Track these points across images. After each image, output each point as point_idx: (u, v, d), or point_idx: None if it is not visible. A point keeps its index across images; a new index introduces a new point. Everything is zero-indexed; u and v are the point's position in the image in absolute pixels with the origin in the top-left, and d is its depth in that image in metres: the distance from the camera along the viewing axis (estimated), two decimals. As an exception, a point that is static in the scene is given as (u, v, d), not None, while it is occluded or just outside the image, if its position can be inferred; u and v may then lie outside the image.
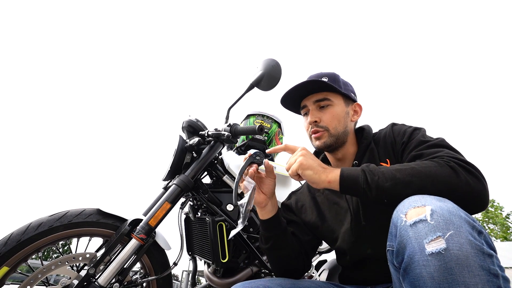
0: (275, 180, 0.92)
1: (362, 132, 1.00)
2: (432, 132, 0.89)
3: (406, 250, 0.56)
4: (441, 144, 0.79)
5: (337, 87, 0.93)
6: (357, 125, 1.06)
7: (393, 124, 0.97)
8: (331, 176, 0.75)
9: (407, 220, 0.58)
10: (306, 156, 0.79)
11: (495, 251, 0.56)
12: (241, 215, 0.79)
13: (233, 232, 0.79)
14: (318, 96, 0.95)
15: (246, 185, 0.84)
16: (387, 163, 0.89)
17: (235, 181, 0.85)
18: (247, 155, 0.87)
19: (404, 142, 0.87)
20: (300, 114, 1.04)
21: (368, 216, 0.88)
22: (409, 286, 0.56)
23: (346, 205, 0.94)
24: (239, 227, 0.78)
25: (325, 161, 1.07)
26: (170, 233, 1.32)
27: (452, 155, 0.72)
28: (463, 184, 0.66)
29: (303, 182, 1.31)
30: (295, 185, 1.63)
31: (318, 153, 1.09)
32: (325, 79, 0.94)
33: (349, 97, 0.98)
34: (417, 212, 0.57)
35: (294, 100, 1.00)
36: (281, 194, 1.46)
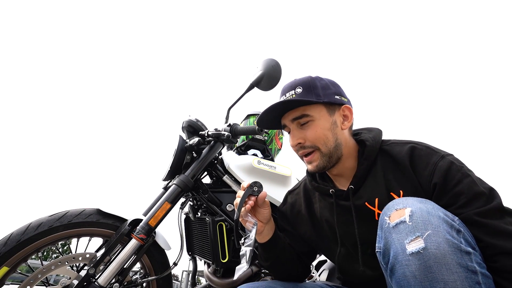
0: (270, 209, 0.87)
1: (364, 148, 0.83)
2: (431, 135, 0.78)
3: (391, 251, 0.59)
4: (502, 211, 0.65)
5: (312, 99, 0.80)
6: (357, 127, 0.92)
7: (413, 148, 0.78)
8: None
9: (390, 222, 0.61)
10: None
11: (475, 248, 0.58)
12: (246, 256, 0.76)
13: (239, 271, 0.76)
14: (294, 114, 0.82)
15: (248, 225, 0.81)
16: (400, 195, 0.76)
17: (235, 218, 0.80)
18: (245, 185, 0.82)
19: (438, 183, 0.70)
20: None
21: (363, 245, 0.82)
22: (396, 285, 0.58)
23: (335, 230, 0.86)
24: (244, 267, 0.75)
25: (323, 176, 0.95)
26: (170, 233, 1.32)
27: None
28: None
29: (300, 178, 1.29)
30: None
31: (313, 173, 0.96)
32: (299, 90, 0.82)
33: (332, 103, 0.83)
34: (399, 214, 0.60)
35: (272, 119, 0.88)
36: (282, 195, 1.46)
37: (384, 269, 0.64)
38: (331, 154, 0.82)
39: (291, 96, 0.83)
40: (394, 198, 0.76)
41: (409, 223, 0.57)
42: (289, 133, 0.88)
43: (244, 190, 0.82)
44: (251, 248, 0.77)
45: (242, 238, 0.81)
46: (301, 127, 0.83)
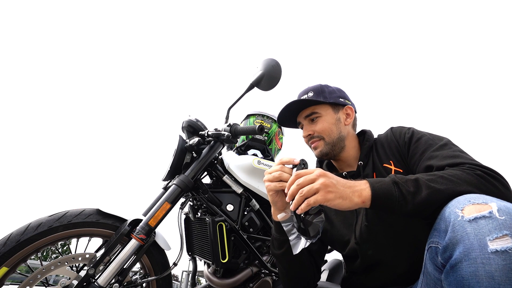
0: None
1: (364, 135, 1.05)
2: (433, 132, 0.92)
3: (460, 247, 0.54)
4: (450, 144, 0.83)
5: (320, 99, 1.00)
6: (359, 129, 1.09)
7: (392, 128, 1.01)
8: (364, 195, 0.68)
9: (464, 216, 0.56)
10: (326, 177, 0.68)
11: None
12: (318, 227, 0.70)
13: (300, 246, 0.78)
14: (306, 112, 1.03)
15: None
16: (391, 164, 0.92)
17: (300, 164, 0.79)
18: (297, 162, 0.81)
19: (406, 142, 0.91)
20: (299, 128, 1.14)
21: (371, 217, 0.88)
22: (454, 285, 0.55)
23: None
24: (303, 242, 0.77)
25: (330, 165, 1.10)
26: (170, 233, 1.32)
27: (474, 163, 0.71)
28: (496, 193, 0.64)
29: None
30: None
31: (321, 161, 1.12)
32: (310, 94, 1.02)
33: (337, 103, 1.03)
34: (478, 209, 0.56)
35: (289, 118, 1.08)
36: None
37: (436, 268, 0.61)
38: (334, 144, 0.99)
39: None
40: (388, 169, 0.91)
41: (498, 218, 0.53)
42: (302, 128, 1.08)
43: (293, 163, 0.81)
44: (323, 219, 0.71)
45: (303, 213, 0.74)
46: (312, 122, 1.02)
